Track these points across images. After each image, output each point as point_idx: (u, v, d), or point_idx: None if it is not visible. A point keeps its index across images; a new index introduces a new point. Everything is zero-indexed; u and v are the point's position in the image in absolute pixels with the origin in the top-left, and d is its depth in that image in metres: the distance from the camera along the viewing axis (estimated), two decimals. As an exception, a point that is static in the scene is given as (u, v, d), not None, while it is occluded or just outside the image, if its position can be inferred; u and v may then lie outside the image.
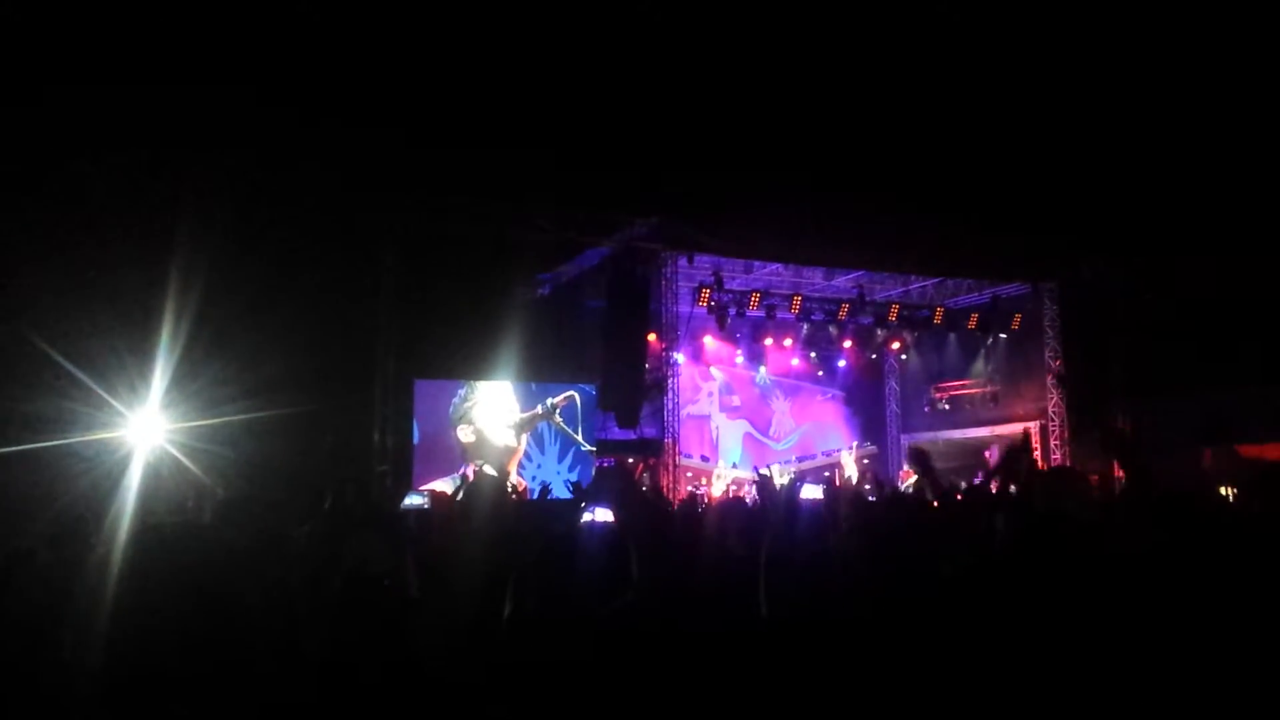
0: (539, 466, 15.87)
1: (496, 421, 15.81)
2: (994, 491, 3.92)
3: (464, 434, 15.54)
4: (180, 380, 11.12)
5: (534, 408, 16.09)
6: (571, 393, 16.26)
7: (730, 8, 12.92)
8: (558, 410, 16.18)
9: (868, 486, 14.27)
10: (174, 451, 10.90)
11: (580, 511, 4.00)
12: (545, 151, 13.87)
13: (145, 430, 10.89)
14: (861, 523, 3.37)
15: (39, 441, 9.54)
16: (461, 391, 15.70)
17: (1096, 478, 12.39)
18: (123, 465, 9.84)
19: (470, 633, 3.17)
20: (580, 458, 16.14)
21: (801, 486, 3.79)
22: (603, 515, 4.07)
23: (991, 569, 2.66)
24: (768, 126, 13.81)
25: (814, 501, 3.91)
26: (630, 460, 16.43)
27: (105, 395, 10.35)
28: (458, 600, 3.51)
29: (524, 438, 15.98)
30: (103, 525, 5.04)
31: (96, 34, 10.40)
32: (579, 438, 16.22)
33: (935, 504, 4.01)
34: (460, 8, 12.12)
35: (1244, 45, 12.68)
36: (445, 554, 4.28)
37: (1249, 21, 12.26)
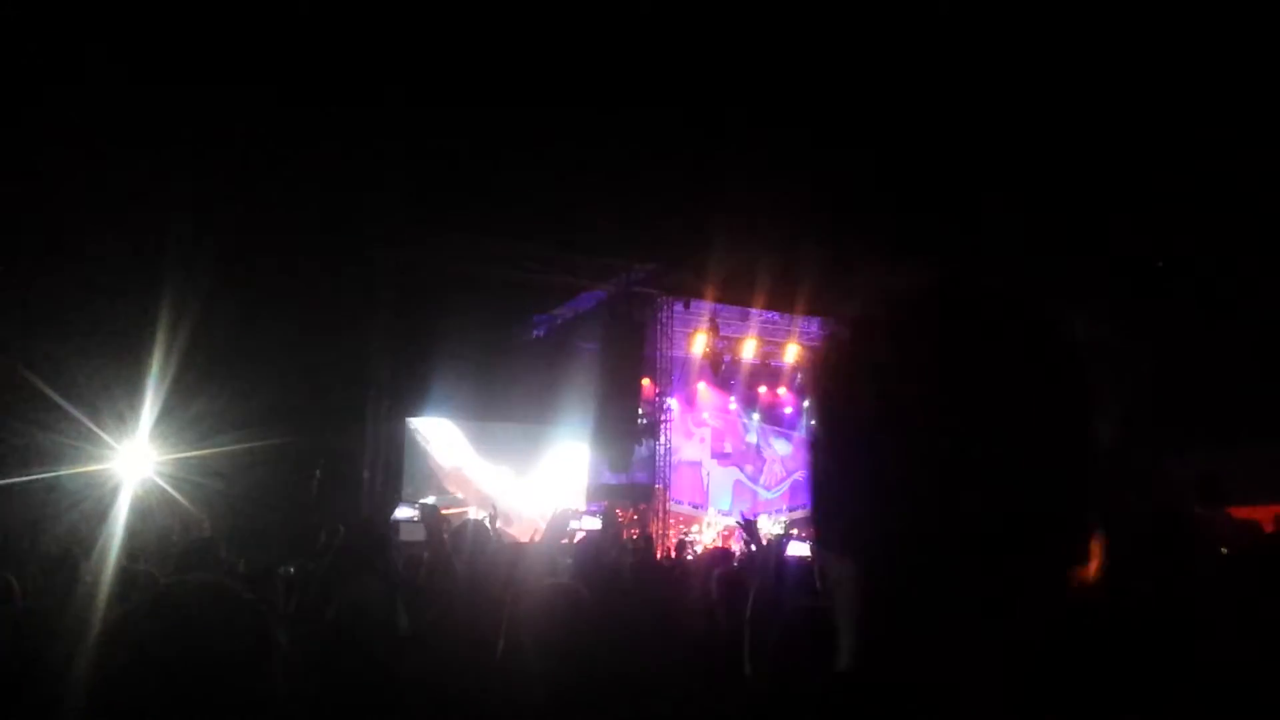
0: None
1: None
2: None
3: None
4: (169, 412, 11.05)
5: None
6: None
7: (737, 56, 13.05)
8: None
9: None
10: (162, 484, 10.82)
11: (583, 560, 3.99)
12: (547, 194, 13.90)
13: (133, 462, 10.82)
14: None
15: (24, 475, 9.45)
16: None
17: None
18: (110, 498, 9.75)
19: (462, 671, 3.16)
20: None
21: (788, 543, 3.78)
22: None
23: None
24: (767, 175, 13.89)
25: (801, 559, 3.91)
26: (619, 509, 16.37)
27: (93, 427, 10.28)
28: (450, 639, 3.49)
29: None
30: (89, 561, 5.00)
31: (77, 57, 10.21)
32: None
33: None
34: (468, 41, 12.12)
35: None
36: (436, 595, 4.24)
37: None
